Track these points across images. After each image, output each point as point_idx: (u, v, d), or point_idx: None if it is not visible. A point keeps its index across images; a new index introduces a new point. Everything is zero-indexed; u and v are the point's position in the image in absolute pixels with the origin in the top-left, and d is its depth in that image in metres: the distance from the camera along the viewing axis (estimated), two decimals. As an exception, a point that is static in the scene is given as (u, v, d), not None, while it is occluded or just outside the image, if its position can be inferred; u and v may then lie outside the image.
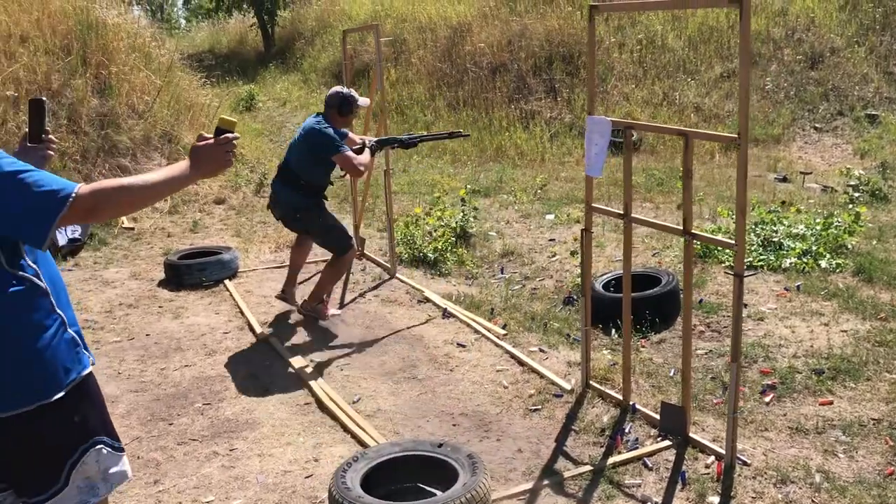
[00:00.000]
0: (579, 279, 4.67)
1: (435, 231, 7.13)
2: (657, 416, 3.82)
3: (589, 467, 3.50)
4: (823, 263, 5.95)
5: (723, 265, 6.07)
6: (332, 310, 5.67)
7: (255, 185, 9.18)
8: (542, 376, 4.46)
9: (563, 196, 8.95)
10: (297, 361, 4.78)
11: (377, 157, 6.88)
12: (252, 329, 5.37)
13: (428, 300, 5.81)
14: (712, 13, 13.68)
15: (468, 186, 8.90)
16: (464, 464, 3.12)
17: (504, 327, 5.22)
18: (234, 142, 2.22)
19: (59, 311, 2.15)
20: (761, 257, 6.14)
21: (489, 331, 5.15)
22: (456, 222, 7.21)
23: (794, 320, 5.06)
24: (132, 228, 7.79)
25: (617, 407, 4.04)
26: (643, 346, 4.84)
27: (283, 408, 4.24)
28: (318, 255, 6.35)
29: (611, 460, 3.54)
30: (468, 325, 5.29)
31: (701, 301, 5.42)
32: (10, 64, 8.16)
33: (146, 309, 5.83)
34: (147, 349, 5.10)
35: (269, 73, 18.93)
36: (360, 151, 5.30)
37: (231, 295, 6.06)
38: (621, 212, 3.89)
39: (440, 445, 3.28)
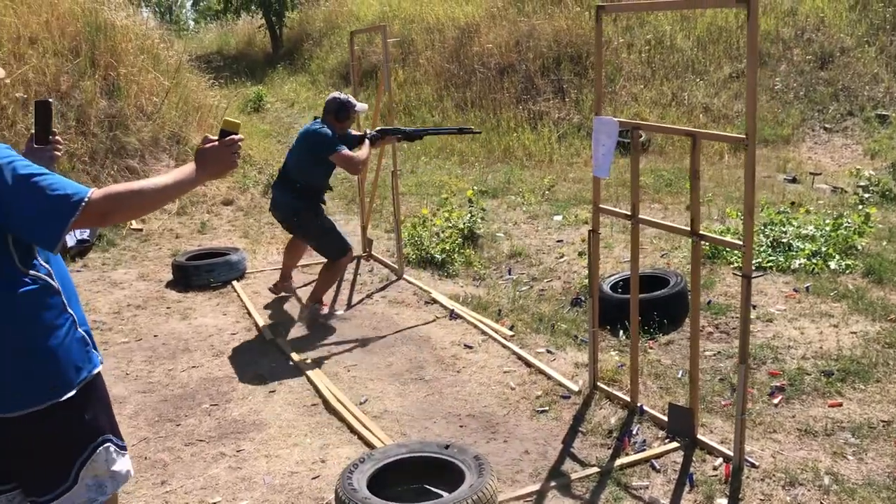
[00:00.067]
0: (587, 280, 4.65)
1: (442, 232, 7.13)
2: (665, 418, 3.80)
3: (596, 469, 3.49)
4: (833, 264, 5.92)
5: (731, 266, 6.04)
6: (339, 310, 5.70)
7: (262, 186, 9.20)
8: (549, 378, 4.45)
9: (571, 197, 8.93)
10: (304, 362, 4.78)
11: (386, 158, 6.90)
12: (259, 330, 5.38)
13: (435, 301, 5.81)
14: (721, 13, 13.63)
15: (476, 187, 8.88)
16: (470, 465, 3.12)
17: (511, 328, 5.21)
18: (239, 143, 2.25)
19: (70, 310, 2.17)
20: (770, 258, 6.11)
21: (496, 332, 5.15)
22: (464, 223, 7.20)
23: (804, 322, 5.04)
24: (140, 230, 7.81)
25: (624, 408, 4.03)
26: (651, 348, 4.82)
27: (290, 409, 4.24)
28: (314, 256, 6.34)
29: (618, 462, 3.52)
30: (475, 326, 5.29)
31: (709, 302, 5.39)
32: (20, 65, 8.19)
33: (154, 310, 5.85)
34: (155, 350, 5.11)
35: (277, 75, 18.96)
36: (361, 140, 5.42)
37: (239, 296, 6.07)
38: (629, 213, 3.88)
39: (447, 447, 3.28)
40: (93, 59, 8.88)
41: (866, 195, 8.01)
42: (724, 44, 13.32)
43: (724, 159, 11.00)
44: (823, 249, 6.14)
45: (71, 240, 7.05)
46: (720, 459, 3.49)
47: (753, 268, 5.68)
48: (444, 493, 3.07)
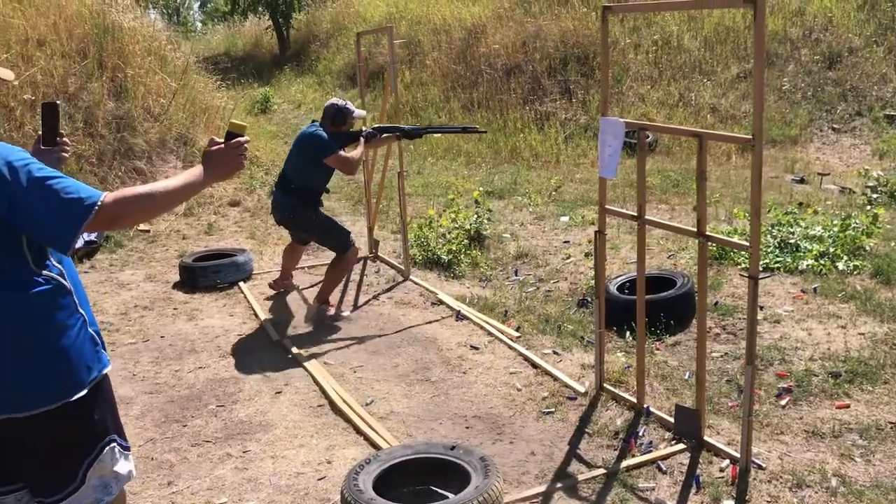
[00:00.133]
0: (593, 281, 4.65)
1: (449, 233, 7.13)
2: (671, 420, 3.79)
3: (602, 470, 3.48)
4: (841, 265, 5.90)
5: (738, 267, 6.02)
6: (346, 311, 5.72)
7: (269, 187, 9.20)
8: (555, 379, 4.44)
9: (577, 198, 8.92)
10: (310, 363, 4.79)
11: (392, 158, 6.90)
12: (266, 331, 5.39)
13: (442, 302, 5.81)
14: (728, 13, 13.60)
15: (482, 188, 8.89)
16: (476, 466, 3.11)
17: (518, 329, 5.20)
18: (245, 145, 2.27)
19: (81, 310, 2.18)
20: (778, 259, 6.09)
21: (503, 333, 5.14)
22: (470, 224, 7.20)
23: (811, 323, 5.02)
24: (147, 231, 7.83)
25: (631, 410, 4.02)
26: (658, 349, 4.81)
27: (297, 410, 4.24)
28: (321, 257, 6.35)
29: (624, 463, 3.52)
30: (482, 327, 5.28)
31: (716, 303, 5.38)
32: (28, 67, 8.23)
33: (161, 311, 5.86)
34: (161, 351, 5.12)
35: (284, 76, 19.01)
36: (355, 138, 5.54)
37: (245, 297, 6.08)
38: (635, 214, 3.87)
39: (453, 448, 3.28)
40: (100, 61, 8.91)
41: (875, 196, 7.98)
42: (731, 44, 13.28)
43: (732, 160, 10.97)
44: (831, 250, 6.11)
45: (79, 241, 7.06)
46: (727, 461, 3.47)
47: (761, 269, 5.67)
48: (450, 495, 3.07)
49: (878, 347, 4.58)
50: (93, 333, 2.23)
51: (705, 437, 3.64)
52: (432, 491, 3.20)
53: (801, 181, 9.70)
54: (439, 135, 11.75)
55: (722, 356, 4.65)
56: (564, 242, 7.22)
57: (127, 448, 2.33)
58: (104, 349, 2.29)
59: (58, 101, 2.50)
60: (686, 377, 4.36)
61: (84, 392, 2.15)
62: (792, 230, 6.52)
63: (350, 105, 5.52)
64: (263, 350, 5.10)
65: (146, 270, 6.84)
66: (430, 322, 5.46)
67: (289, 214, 5.54)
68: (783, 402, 4.01)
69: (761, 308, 5.19)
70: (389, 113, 6.78)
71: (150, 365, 4.91)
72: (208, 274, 6.32)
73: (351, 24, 18.38)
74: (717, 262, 6.14)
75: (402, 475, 3.22)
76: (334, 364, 4.83)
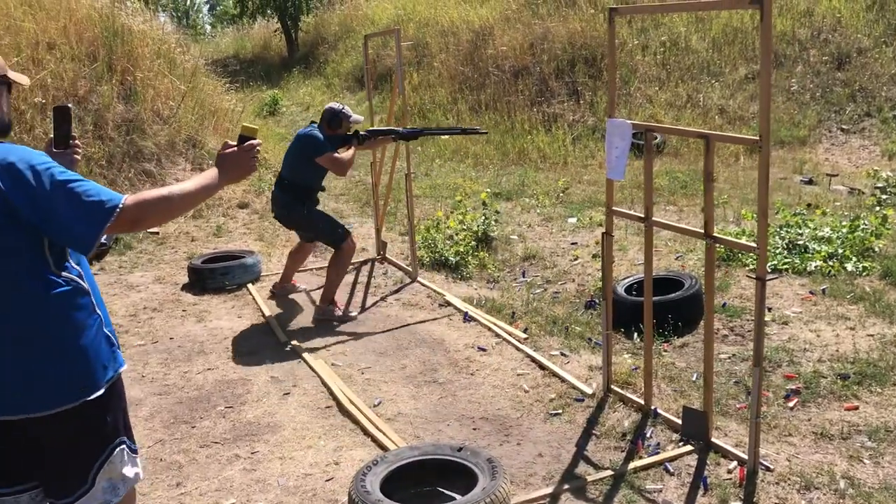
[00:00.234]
0: (601, 283, 4.64)
1: (456, 234, 7.14)
2: (679, 421, 3.79)
3: (610, 472, 3.48)
4: (849, 266, 5.88)
5: (746, 268, 6.01)
6: (353, 311, 5.74)
7: (275, 188, 9.24)
8: (563, 380, 4.44)
9: (585, 199, 8.91)
10: (318, 365, 4.80)
11: (400, 160, 6.91)
12: (274, 332, 5.41)
13: (449, 304, 5.81)
14: (736, 14, 13.56)
15: (490, 190, 8.90)
16: (483, 468, 3.12)
17: (525, 331, 5.21)
18: (257, 148, 2.32)
19: (98, 310, 2.21)
20: (786, 260, 6.07)
21: (510, 334, 5.14)
22: (478, 226, 7.21)
23: (820, 324, 5.00)
24: (157, 233, 7.86)
25: (638, 411, 4.02)
26: (665, 350, 4.81)
27: (304, 411, 4.26)
28: (326, 259, 6.36)
29: (632, 465, 3.51)
30: (489, 328, 5.29)
31: (724, 305, 5.37)
32: (38, 71, 8.28)
33: (170, 313, 5.89)
34: (170, 352, 5.15)
35: (292, 78, 19.06)
36: (347, 141, 5.71)
37: (254, 299, 6.11)
38: (642, 215, 3.87)
39: (460, 449, 3.28)
40: (110, 64, 8.96)
41: (884, 196, 7.94)
42: (739, 45, 13.25)
43: (740, 161, 10.94)
44: (840, 251, 6.09)
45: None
46: (734, 463, 3.47)
47: (769, 270, 5.65)
48: (458, 496, 3.08)
49: (886, 349, 4.56)
50: (108, 333, 2.26)
51: (713, 439, 3.64)
52: (440, 492, 3.21)
53: (810, 182, 9.67)
54: (447, 136, 11.76)
55: (730, 358, 4.64)
56: (572, 244, 7.22)
57: (135, 451, 2.34)
58: (119, 349, 2.32)
59: (69, 105, 2.53)
60: (694, 379, 4.36)
61: (101, 391, 2.18)
62: (800, 231, 6.50)
63: (347, 109, 5.73)
64: (271, 351, 5.12)
65: (155, 272, 6.88)
66: (436, 321, 5.47)
67: (282, 210, 5.75)
68: (791, 404, 4.01)
69: (769, 309, 5.18)
70: (397, 115, 6.80)
71: (158, 366, 4.93)
72: (217, 276, 6.35)
73: (359, 26, 18.43)
74: (725, 264, 6.13)
75: (409, 476, 3.23)
76: (342, 365, 4.84)
